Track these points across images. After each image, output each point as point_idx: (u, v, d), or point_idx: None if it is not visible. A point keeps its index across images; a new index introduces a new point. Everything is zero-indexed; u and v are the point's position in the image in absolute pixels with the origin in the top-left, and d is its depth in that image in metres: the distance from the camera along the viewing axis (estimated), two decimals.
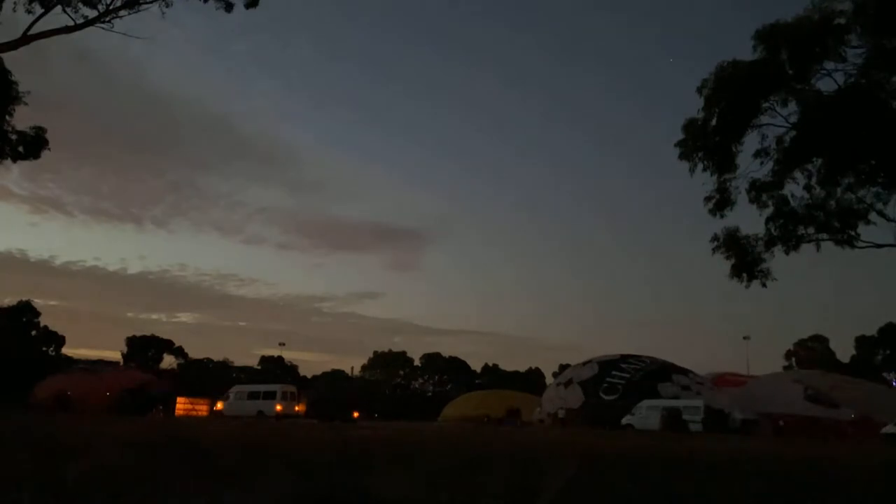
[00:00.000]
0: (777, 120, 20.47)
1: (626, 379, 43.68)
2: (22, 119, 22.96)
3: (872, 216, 21.45)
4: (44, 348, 73.74)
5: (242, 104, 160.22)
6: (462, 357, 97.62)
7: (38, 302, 76.28)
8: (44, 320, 75.59)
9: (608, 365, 45.71)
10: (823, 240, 21.79)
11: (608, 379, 44.09)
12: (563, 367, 68.01)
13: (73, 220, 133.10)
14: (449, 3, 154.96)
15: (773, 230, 21.52)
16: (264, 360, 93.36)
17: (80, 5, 20.17)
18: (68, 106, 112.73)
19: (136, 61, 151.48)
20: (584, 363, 47.95)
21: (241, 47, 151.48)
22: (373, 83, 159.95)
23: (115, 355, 79.91)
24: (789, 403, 43.01)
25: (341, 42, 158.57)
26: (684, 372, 44.77)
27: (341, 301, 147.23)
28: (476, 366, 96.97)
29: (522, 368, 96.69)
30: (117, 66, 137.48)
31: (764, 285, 21.55)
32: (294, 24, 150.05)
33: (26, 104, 22.60)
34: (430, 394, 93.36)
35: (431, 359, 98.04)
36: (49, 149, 23.55)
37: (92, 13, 20.34)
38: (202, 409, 47.64)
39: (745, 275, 21.56)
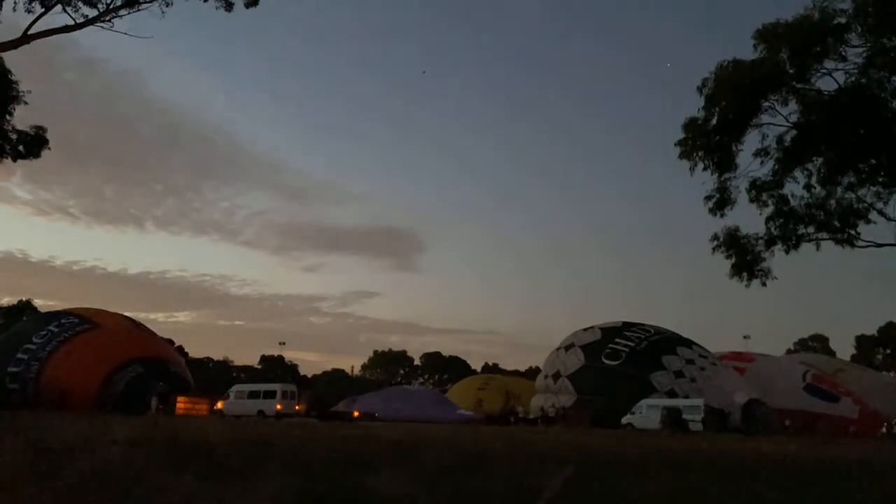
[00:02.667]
0: (777, 119, 20.48)
1: (630, 347, 42.52)
2: (25, 122, 23.13)
3: (873, 215, 21.49)
4: None
5: (242, 111, 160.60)
6: (462, 356, 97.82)
7: (38, 302, 76.41)
8: None
9: (611, 332, 44.52)
10: (823, 239, 21.80)
11: (611, 345, 42.88)
12: None
13: (75, 222, 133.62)
14: (442, 8, 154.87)
15: (773, 229, 21.51)
16: (264, 359, 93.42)
17: (80, 4, 20.14)
18: (72, 112, 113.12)
19: (138, 70, 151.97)
20: (586, 329, 46.54)
21: (241, 57, 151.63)
22: (370, 88, 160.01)
23: None
24: (789, 396, 42.32)
25: (339, 46, 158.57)
26: (688, 344, 43.07)
27: (341, 301, 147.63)
28: (476, 365, 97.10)
29: (522, 367, 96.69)
30: (120, 74, 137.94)
31: (764, 284, 21.57)
32: (290, 32, 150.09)
33: (27, 103, 22.67)
34: None
35: (431, 358, 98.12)
36: (49, 148, 23.61)
37: (92, 12, 20.31)
38: (202, 408, 47.58)
39: (745, 274, 21.55)
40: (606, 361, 42.18)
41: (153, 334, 47.49)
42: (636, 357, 41.64)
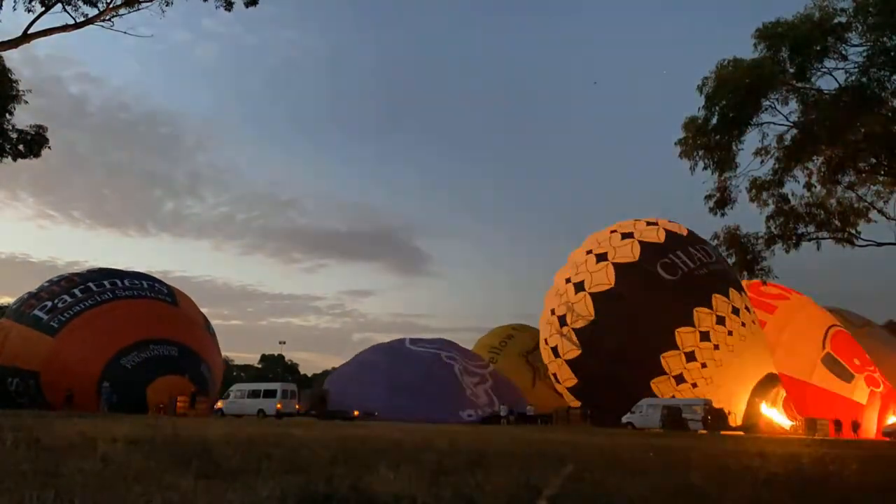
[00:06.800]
0: (777, 118, 20.41)
1: (689, 267, 38.82)
2: (27, 124, 23.16)
3: (873, 214, 21.51)
4: None
5: (242, 119, 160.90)
6: None
7: None
8: None
9: (675, 239, 39.83)
10: (824, 238, 21.80)
11: (671, 255, 39.13)
12: None
13: (77, 225, 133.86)
14: (439, 15, 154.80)
15: (773, 228, 21.51)
16: (264, 358, 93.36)
17: (80, 4, 20.06)
18: (76, 121, 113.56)
19: (141, 81, 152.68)
20: (649, 223, 41.36)
21: (241, 69, 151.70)
22: (367, 93, 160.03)
23: None
24: (805, 367, 40.73)
25: (337, 54, 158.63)
26: (739, 289, 39.27)
27: (341, 300, 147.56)
28: None
29: None
30: (123, 85, 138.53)
31: (764, 283, 21.57)
32: (288, 45, 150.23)
33: (27, 102, 22.65)
34: None
35: None
36: (49, 147, 23.54)
37: (92, 11, 20.24)
38: (202, 407, 47.56)
39: (745, 273, 21.58)
40: (661, 272, 38.99)
41: (215, 341, 47.46)
42: (690, 281, 38.43)
